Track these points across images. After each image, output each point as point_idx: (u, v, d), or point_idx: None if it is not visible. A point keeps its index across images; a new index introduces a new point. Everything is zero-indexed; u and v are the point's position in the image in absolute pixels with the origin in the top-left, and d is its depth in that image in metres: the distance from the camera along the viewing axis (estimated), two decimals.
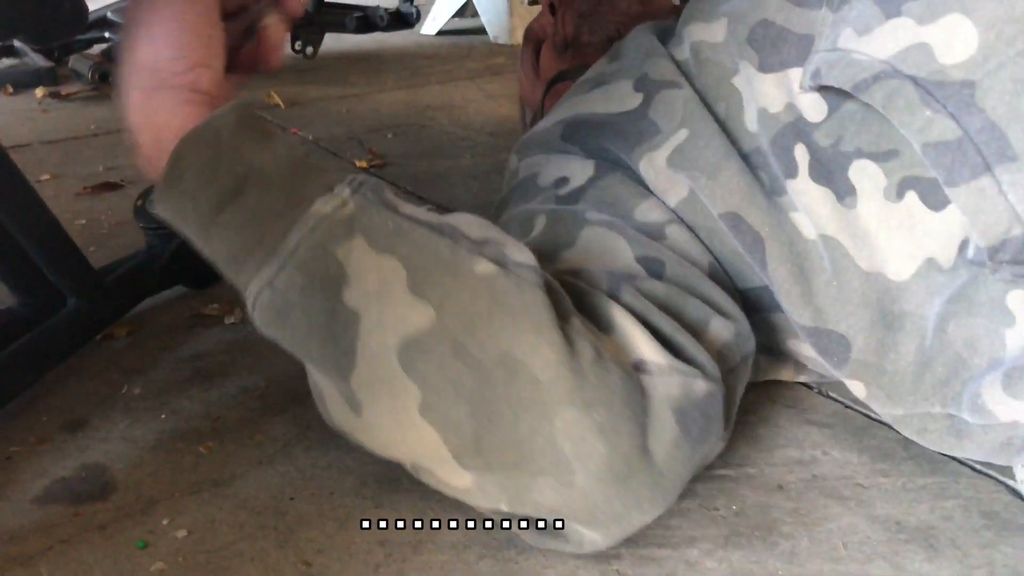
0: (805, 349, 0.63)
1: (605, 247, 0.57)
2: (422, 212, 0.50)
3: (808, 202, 0.56)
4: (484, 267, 0.47)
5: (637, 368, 0.48)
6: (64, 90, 1.72)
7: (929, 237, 0.52)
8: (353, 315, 0.45)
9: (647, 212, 0.60)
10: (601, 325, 0.49)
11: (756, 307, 0.62)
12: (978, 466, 0.61)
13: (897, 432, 0.64)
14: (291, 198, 0.47)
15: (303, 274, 0.45)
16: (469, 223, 0.50)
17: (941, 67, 0.49)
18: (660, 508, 0.49)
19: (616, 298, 0.51)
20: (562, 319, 0.46)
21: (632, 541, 0.54)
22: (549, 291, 0.47)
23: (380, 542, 0.54)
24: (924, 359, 0.54)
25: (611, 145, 0.62)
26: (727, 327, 0.54)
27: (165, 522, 0.56)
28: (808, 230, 0.57)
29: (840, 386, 0.65)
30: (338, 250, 0.46)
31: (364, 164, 1.25)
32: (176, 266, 0.82)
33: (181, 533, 0.55)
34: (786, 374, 0.68)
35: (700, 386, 0.48)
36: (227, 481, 0.60)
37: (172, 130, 0.48)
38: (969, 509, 0.57)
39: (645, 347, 0.48)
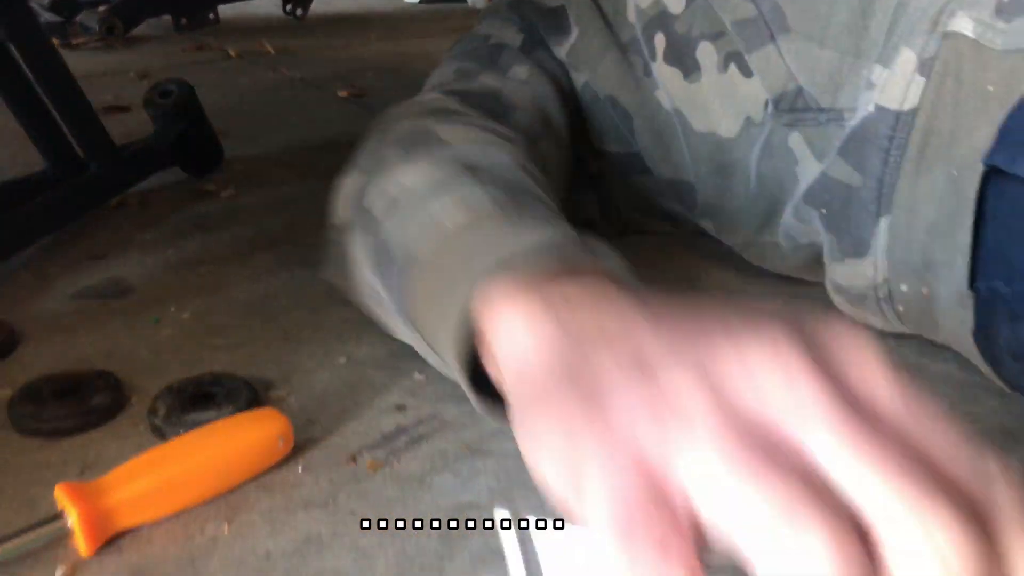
0: (671, 204, 0.78)
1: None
2: None
3: (664, 80, 0.72)
4: None
5: None
6: (74, 41, 1.87)
7: (746, 100, 0.67)
8: None
9: (518, 73, 0.76)
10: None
11: (632, 170, 0.78)
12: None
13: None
14: None
15: None
16: None
17: None
18: None
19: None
20: None
21: None
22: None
23: (345, 320, 0.69)
24: (750, 198, 0.69)
25: (540, 30, 0.77)
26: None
27: (172, 309, 0.71)
28: (667, 104, 0.72)
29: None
30: None
31: (345, 94, 1.40)
32: (178, 148, 0.97)
33: (185, 315, 0.70)
34: (663, 227, 0.85)
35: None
36: (223, 288, 0.75)
37: None
38: (815, 305, 0.72)
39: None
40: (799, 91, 0.64)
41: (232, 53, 1.79)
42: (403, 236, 0.48)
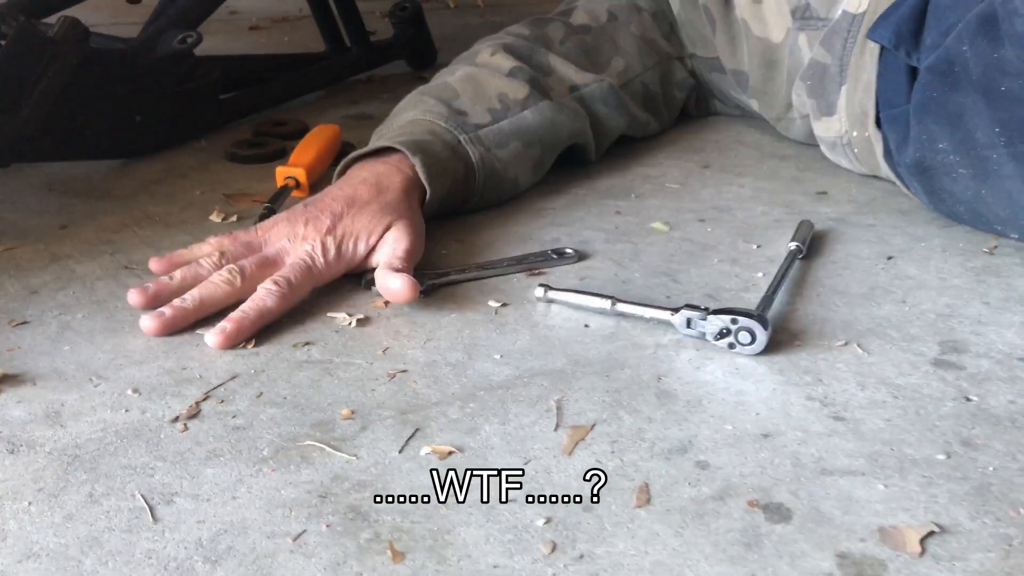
0: (734, 91, 1.12)
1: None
2: None
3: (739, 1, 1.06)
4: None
5: (572, 89, 1.00)
6: None
7: (786, 15, 1.00)
8: None
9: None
10: (544, 70, 1.00)
11: (711, 69, 1.13)
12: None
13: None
14: None
15: None
16: None
17: None
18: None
19: (550, 51, 1.02)
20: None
21: (628, 180, 1.07)
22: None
23: None
24: (785, 85, 1.03)
25: None
26: (620, 63, 1.06)
27: None
28: (737, 14, 1.06)
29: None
30: None
31: None
32: (409, 47, 1.42)
33: None
34: (733, 111, 1.19)
35: (606, 84, 1.01)
36: None
37: None
38: (815, 153, 1.06)
39: (575, 76, 1.00)
40: (807, 6, 0.98)
41: (451, 4, 2.25)
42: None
